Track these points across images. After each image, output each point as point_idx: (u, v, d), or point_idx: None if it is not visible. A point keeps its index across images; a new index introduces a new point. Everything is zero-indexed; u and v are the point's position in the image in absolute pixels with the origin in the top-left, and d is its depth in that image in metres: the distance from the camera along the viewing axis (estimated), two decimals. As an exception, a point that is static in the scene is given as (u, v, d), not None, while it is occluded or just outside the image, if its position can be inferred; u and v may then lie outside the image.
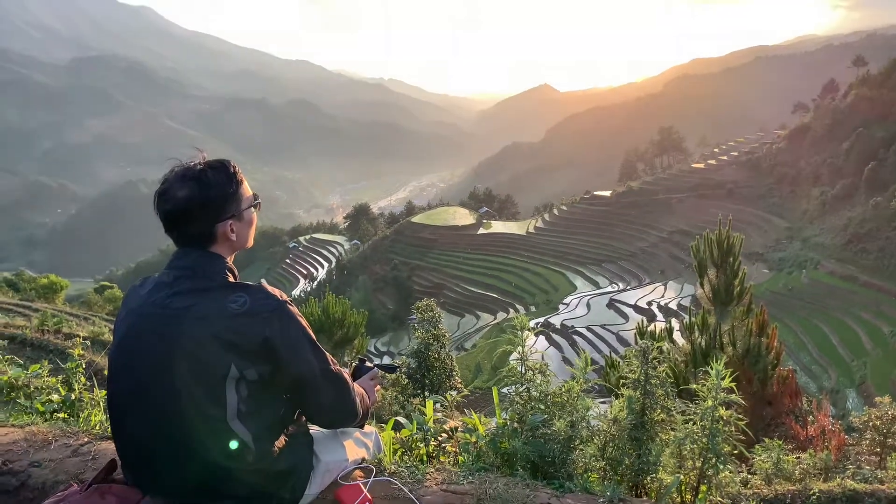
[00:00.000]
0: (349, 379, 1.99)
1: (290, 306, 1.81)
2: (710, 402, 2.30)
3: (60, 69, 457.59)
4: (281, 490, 1.86)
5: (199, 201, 1.80)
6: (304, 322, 1.83)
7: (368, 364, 2.35)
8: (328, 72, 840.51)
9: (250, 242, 2.00)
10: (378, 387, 2.36)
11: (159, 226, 1.87)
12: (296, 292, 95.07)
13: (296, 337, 1.78)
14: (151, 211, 1.83)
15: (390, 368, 2.49)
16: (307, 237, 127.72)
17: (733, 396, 2.34)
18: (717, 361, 2.41)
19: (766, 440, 5.38)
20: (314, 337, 1.86)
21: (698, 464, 2.36)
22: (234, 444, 1.71)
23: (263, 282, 1.85)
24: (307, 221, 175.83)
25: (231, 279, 1.82)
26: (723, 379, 2.30)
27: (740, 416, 2.34)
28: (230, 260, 1.92)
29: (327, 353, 1.90)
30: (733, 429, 2.34)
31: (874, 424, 7.08)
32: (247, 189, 1.94)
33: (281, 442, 1.87)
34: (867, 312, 56.12)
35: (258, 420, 1.76)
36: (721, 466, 2.31)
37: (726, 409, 2.34)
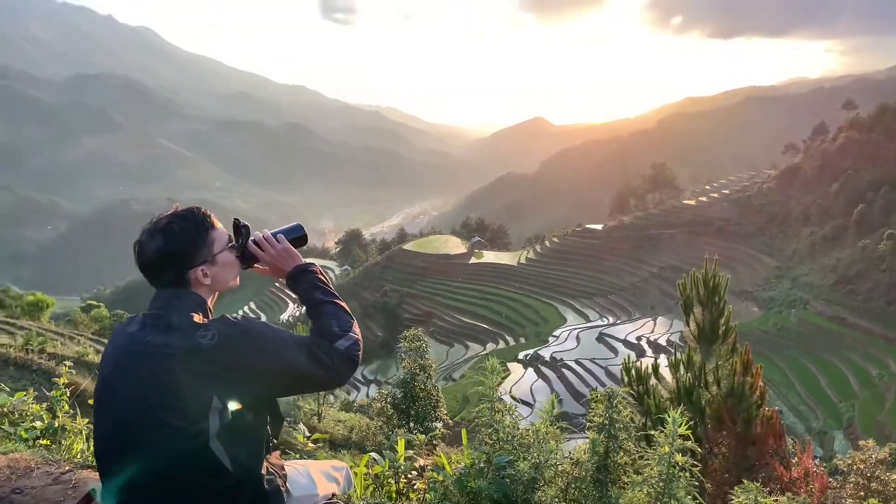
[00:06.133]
0: (332, 342, 1.95)
1: (254, 326, 1.87)
2: (666, 449, 2.41)
3: (57, 86, 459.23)
4: None
5: (167, 253, 1.90)
6: (271, 329, 1.88)
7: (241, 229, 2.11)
8: (324, 97, 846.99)
9: (234, 282, 2.08)
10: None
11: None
12: (284, 317, 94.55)
13: (269, 348, 1.83)
14: (142, 230, 1.95)
15: (243, 229, 2.12)
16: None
17: (689, 443, 2.45)
18: (674, 411, 2.52)
19: (746, 482, 5.35)
20: (285, 335, 1.89)
21: (655, 508, 2.46)
22: (212, 464, 1.78)
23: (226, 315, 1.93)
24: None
25: (197, 317, 1.87)
26: (679, 426, 2.41)
27: (696, 462, 2.45)
28: (211, 300, 2.02)
29: (301, 339, 1.91)
30: (688, 475, 2.45)
31: (858, 468, 7.13)
32: (221, 233, 2.02)
33: (257, 473, 1.92)
34: (855, 354, 56.38)
35: (237, 445, 1.82)
36: (677, 511, 2.41)
37: (683, 455, 2.45)
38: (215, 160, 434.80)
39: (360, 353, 2.02)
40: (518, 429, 2.72)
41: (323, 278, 2.19)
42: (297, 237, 2.25)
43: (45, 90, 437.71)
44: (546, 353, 64.28)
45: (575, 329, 73.17)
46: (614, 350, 63.45)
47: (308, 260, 2.22)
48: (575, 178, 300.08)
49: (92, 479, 2.48)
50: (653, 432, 2.60)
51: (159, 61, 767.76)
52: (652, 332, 69.77)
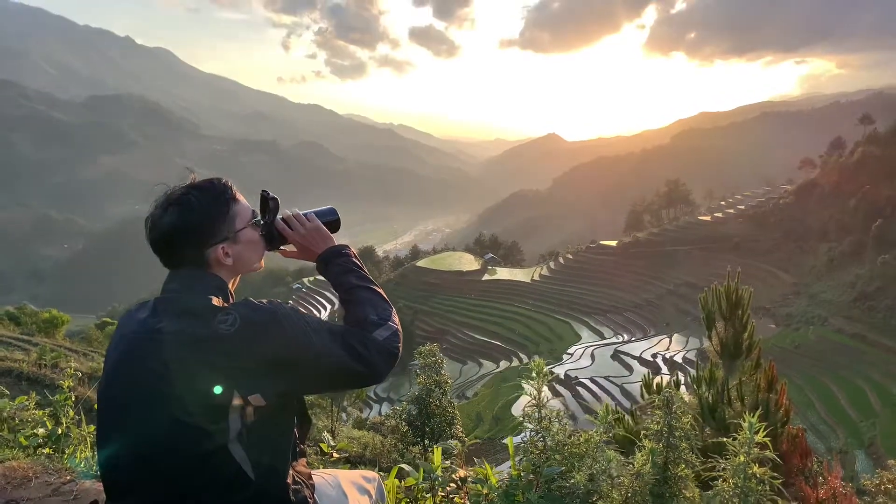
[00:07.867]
0: (369, 332, 1.72)
1: (282, 310, 1.61)
2: (742, 458, 2.13)
3: (77, 106, 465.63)
4: None
5: (183, 227, 1.66)
6: (301, 315, 1.64)
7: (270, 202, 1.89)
8: (339, 116, 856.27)
9: (258, 265, 1.85)
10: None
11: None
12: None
13: (298, 337, 1.58)
14: (153, 203, 1.71)
15: (271, 202, 1.91)
16: (311, 279, 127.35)
17: (768, 453, 2.17)
18: (751, 415, 2.25)
19: (779, 500, 5.06)
20: (316, 322, 1.65)
21: (729, 525, 2.17)
22: (230, 470, 1.52)
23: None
24: (312, 263, 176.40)
25: (216, 300, 1.62)
26: (756, 433, 2.14)
27: (775, 474, 2.17)
28: (232, 284, 1.77)
29: (334, 327, 1.68)
30: (767, 488, 2.17)
31: (886, 488, 6.84)
32: (244, 207, 1.81)
33: (282, 481, 1.66)
34: (876, 372, 55.32)
35: (260, 449, 1.57)
36: (754, 529, 2.13)
37: (759, 466, 2.17)
38: (231, 179, 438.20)
39: (401, 345, 1.75)
40: (570, 437, 2.46)
41: (358, 262, 1.95)
42: (330, 220, 2.02)
43: (64, 110, 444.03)
44: (560, 370, 63.62)
45: (590, 346, 72.53)
46: (629, 368, 62.80)
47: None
48: (588, 194, 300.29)
49: (95, 490, 2.24)
50: (709, 440, 2.33)
51: (176, 82, 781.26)
52: (668, 349, 68.98)
